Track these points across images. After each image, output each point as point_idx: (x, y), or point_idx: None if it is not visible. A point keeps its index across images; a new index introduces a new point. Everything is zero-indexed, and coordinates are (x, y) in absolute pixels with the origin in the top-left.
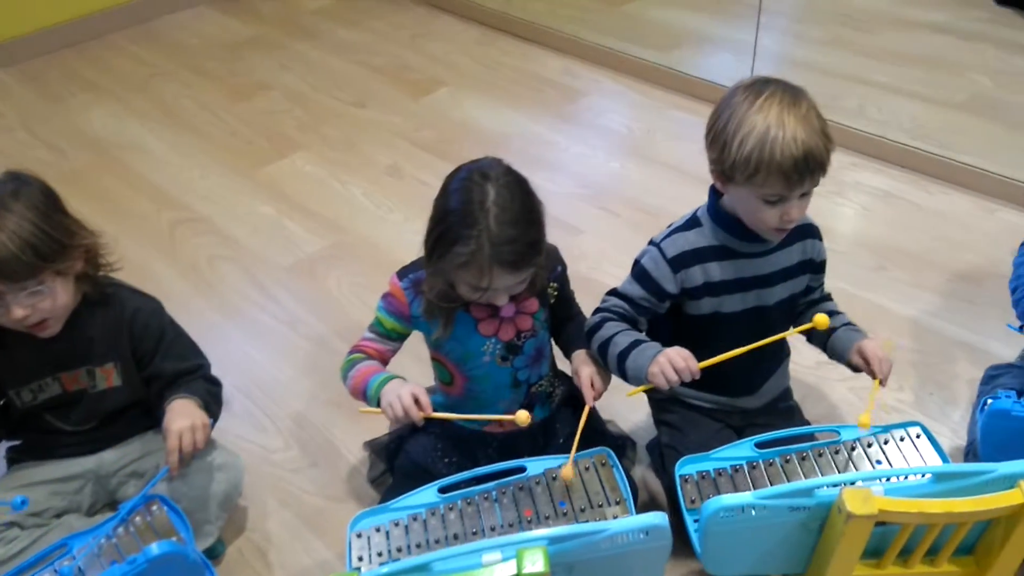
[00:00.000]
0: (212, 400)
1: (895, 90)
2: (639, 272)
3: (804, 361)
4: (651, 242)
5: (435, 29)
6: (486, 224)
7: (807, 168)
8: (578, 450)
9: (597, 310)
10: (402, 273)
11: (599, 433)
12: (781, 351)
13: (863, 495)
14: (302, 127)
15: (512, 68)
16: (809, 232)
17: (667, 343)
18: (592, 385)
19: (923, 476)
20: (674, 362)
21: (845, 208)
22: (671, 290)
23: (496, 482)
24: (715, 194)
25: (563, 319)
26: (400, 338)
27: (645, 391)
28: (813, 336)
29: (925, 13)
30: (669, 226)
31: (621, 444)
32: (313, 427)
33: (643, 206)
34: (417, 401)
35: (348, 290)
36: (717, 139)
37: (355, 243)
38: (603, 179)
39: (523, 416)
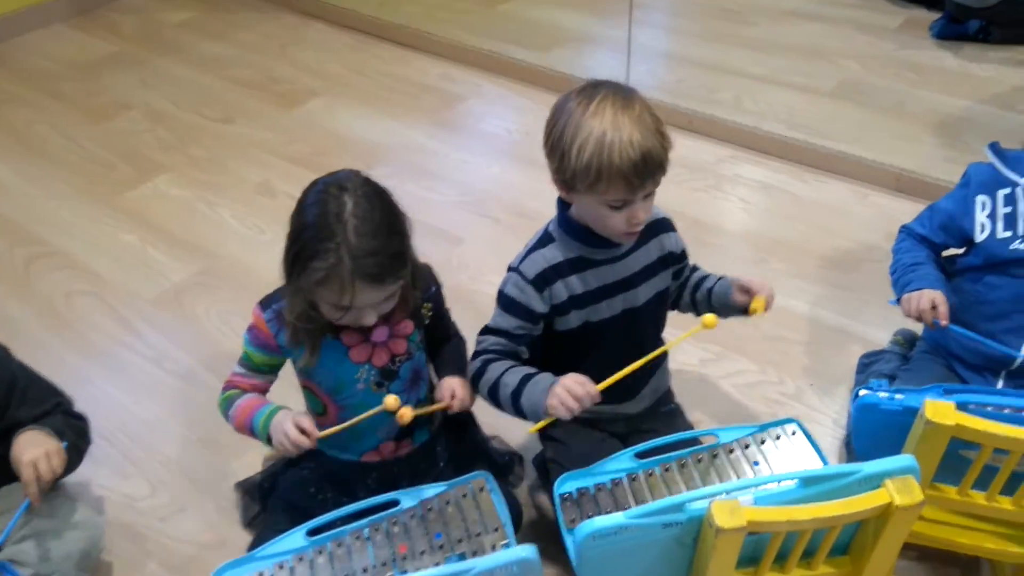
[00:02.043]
0: (70, 430)
1: (771, 81)
2: (506, 302)
3: (688, 360)
4: (510, 268)
5: (306, 37)
6: (344, 236)
7: (647, 170)
8: (457, 473)
9: (475, 353)
10: (265, 303)
11: (482, 452)
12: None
13: (731, 507)
14: (166, 148)
15: (388, 75)
16: (662, 227)
17: (542, 361)
18: (453, 395)
19: (791, 481)
20: (572, 391)
21: (724, 202)
22: (542, 310)
23: (368, 519)
24: (563, 206)
25: (439, 340)
26: (272, 370)
27: (548, 424)
28: (698, 305)
29: (799, 3)
30: (525, 247)
31: (508, 461)
32: (181, 470)
33: (524, 210)
34: (304, 431)
35: (218, 319)
36: (555, 149)
37: (224, 268)
38: (483, 185)
39: (391, 400)
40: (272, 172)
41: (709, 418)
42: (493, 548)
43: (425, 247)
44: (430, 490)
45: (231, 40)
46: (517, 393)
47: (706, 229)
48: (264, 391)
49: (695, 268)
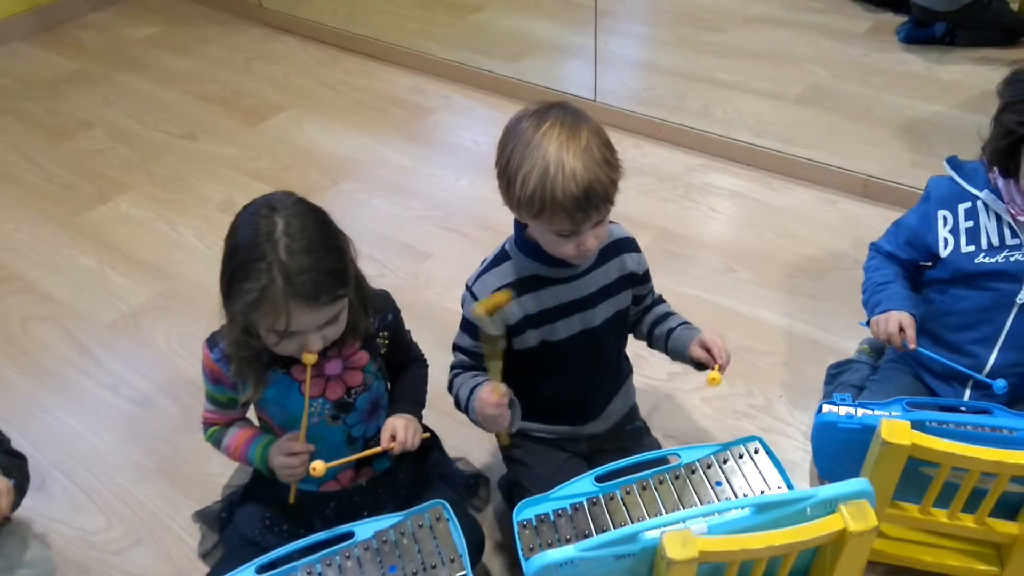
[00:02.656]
0: (15, 469)
1: (739, 88)
2: (463, 321)
3: (656, 374)
4: (466, 285)
5: (273, 51)
6: (276, 256)
7: (589, 204)
8: (419, 498)
9: (451, 367)
10: (211, 341)
11: (446, 475)
12: (622, 372)
13: (682, 538)
14: (127, 166)
15: (357, 88)
16: (624, 247)
17: (506, 377)
18: (393, 436)
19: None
20: (483, 412)
21: (693, 211)
22: (494, 333)
23: (321, 553)
24: (520, 224)
25: (398, 366)
26: (239, 405)
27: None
28: (653, 341)
29: (767, 8)
30: (483, 262)
31: (473, 483)
32: (137, 500)
33: (492, 224)
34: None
35: (177, 343)
36: (503, 175)
37: (185, 290)
38: (452, 199)
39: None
40: (236, 189)
41: (678, 433)
42: None
43: (391, 263)
44: (386, 521)
45: (196, 55)
46: (467, 408)
47: (674, 239)
48: (243, 418)
49: (660, 300)
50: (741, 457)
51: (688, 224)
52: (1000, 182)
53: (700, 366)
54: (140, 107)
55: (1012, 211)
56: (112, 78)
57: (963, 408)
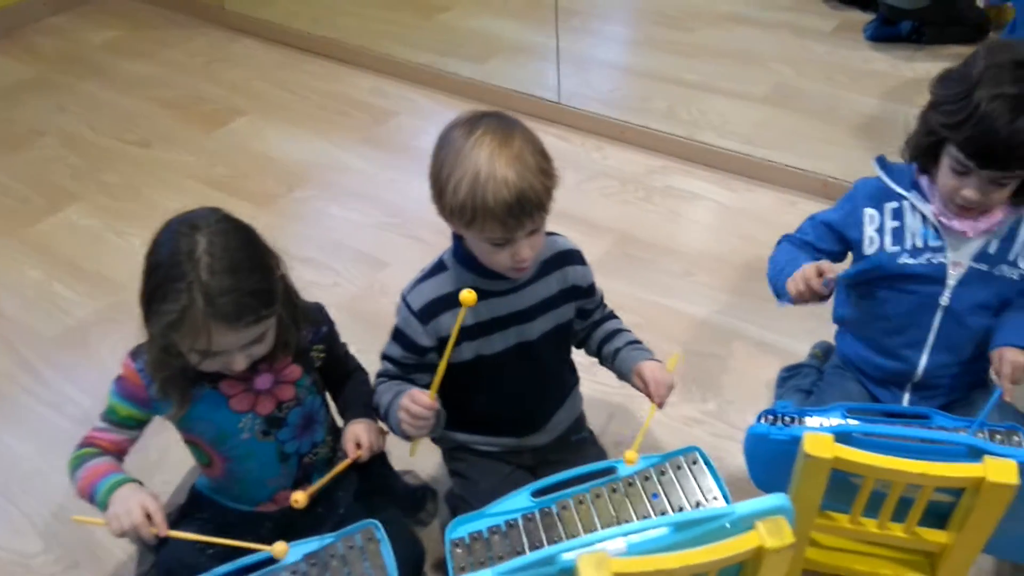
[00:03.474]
0: None
1: (704, 88)
2: (394, 330)
3: (610, 381)
4: (402, 294)
5: (234, 54)
6: (196, 276)
7: (522, 211)
8: (361, 513)
9: (376, 375)
10: (136, 353)
11: (390, 489)
12: (566, 383)
13: (597, 560)
14: (78, 175)
15: (318, 91)
16: (567, 259)
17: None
18: (358, 444)
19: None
20: (408, 409)
21: (653, 214)
22: (426, 344)
23: None
24: (458, 235)
25: (338, 379)
26: (139, 426)
27: (417, 444)
28: (602, 359)
29: (736, 6)
30: (419, 273)
31: (420, 496)
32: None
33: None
34: (149, 516)
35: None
36: (435, 184)
37: (133, 302)
38: (411, 205)
39: (279, 549)
40: (189, 198)
41: (630, 442)
42: None
43: (347, 271)
44: (316, 543)
45: (156, 59)
46: (386, 416)
47: (634, 242)
48: (125, 451)
49: (611, 315)
50: (680, 468)
51: (648, 228)
52: (925, 183)
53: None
54: (95, 114)
55: (936, 211)
56: (68, 84)
57: (901, 413)
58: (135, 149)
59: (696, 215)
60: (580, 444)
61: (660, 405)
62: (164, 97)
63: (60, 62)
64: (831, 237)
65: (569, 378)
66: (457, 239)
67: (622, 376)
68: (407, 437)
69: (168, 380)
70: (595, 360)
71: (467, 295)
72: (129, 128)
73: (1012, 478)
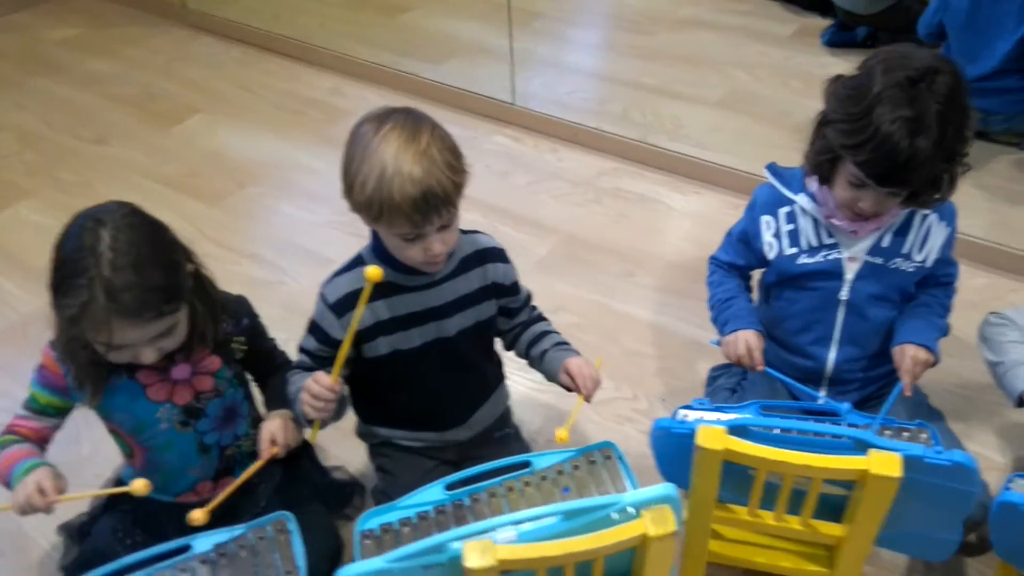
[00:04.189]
0: None
1: (660, 91)
2: (310, 323)
3: (544, 379)
4: (320, 288)
5: (194, 52)
6: (98, 271)
7: (428, 206)
8: (283, 508)
9: (291, 368)
10: (55, 343)
11: (314, 484)
12: (489, 380)
13: (482, 547)
14: (32, 171)
15: (275, 90)
16: (488, 257)
17: (355, 388)
18: (273, 441)
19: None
20: (310, 389)
21: (601, 216)
22: (340, 337)
23: (156, 567)
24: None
25: (266, 373)
26: (58, 414)
27: (318, 428)
28: (531, 361)
29: (696, 11)
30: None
31: (348, 492)
32: (3, 513)
33: None
34: (42, 490)
35: None
36: (345, 180)
37: None
38: None
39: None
40: (141, 194)
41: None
42: None
43: (293, 269)
44: (226, 533)
45: (116, 56)
46: (293, 402)
47: (580, 244)
48: (47, 439)
49: (540, 318)
50: (593, 463)
51: (595, 229)
52: (815, 186)
53: (568, 389)
54: (52, 111)
55: (825, 213)
56: (27, 82)
57: (815, 410)
58: (90, 146)
59: (643, 217)
60: (504, 440)
61: (587, 398)
62: (122, 94)
63: (20, 59)
64: (747, 251)
65: (493, 375)
66: (375, 235)
67: (550, 377)
68: (308, 421)
69: (80, 369)
70: None
71: (372, 271)
72: (85, 125)
73: (895, 471)
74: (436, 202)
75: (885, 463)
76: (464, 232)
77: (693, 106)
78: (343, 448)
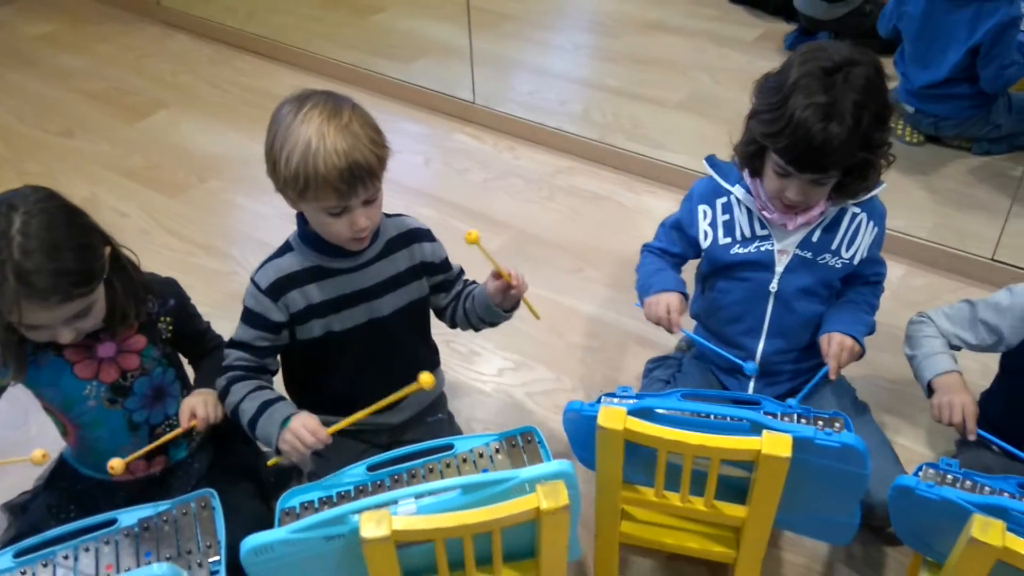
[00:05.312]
0: None
1: (622, 93)
2: (245, 313)
3: (487, 370)
4: (251, 277)
5: (167, 49)
6: (9, 255)
7: (354, 177)
8: (208, 485)
9: (222, 368)
10: None
11: (250, 467)
12: (423, 363)
13: (378, 517)
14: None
15: (244, 87)
16: (415, 237)
17: (288, 370)
18: (193, 415)
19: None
20: (302, 437)
21: (554, 213)
22: (280, 319)
23: (81, 539)
24: (303, 217)
25: (198, 355)
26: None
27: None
28: (469, 316)
29: (664, 15)
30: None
31: (286, 476)
32: None
33: None
34: None
35: None
36: (268, 159)
37: None
38: None
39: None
40: (102, 186)
41: (494, 427)
42: (200, 566)
43: (246, 261)
44: (152, 508)
45: (89, 52)
46: (254, 422)
47: (530, 240)
48: None
49: (472, 283)
50: (514, 446)
51: (547, 225)
52: (749, 180)
53: (507, 310)
54: (23, 104)
55: (758, 205)
56: (0, 76)
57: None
58: (58, 139)
59: (595, 214)
60: (436, 425)
61: (516, 283)
62: (92, 89)
63: None
64: (681, 239)
65: (427, 359)
66: (302, 220)
67: (483, 308)
68: (278, 452)
69: (2, 346)
70: (474, 349)
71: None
72: (54, 119)
73: (785, 451)
74: (361, 173)
75: (776, 444)
76: (389, 215)
77: (653, 107)
78: None
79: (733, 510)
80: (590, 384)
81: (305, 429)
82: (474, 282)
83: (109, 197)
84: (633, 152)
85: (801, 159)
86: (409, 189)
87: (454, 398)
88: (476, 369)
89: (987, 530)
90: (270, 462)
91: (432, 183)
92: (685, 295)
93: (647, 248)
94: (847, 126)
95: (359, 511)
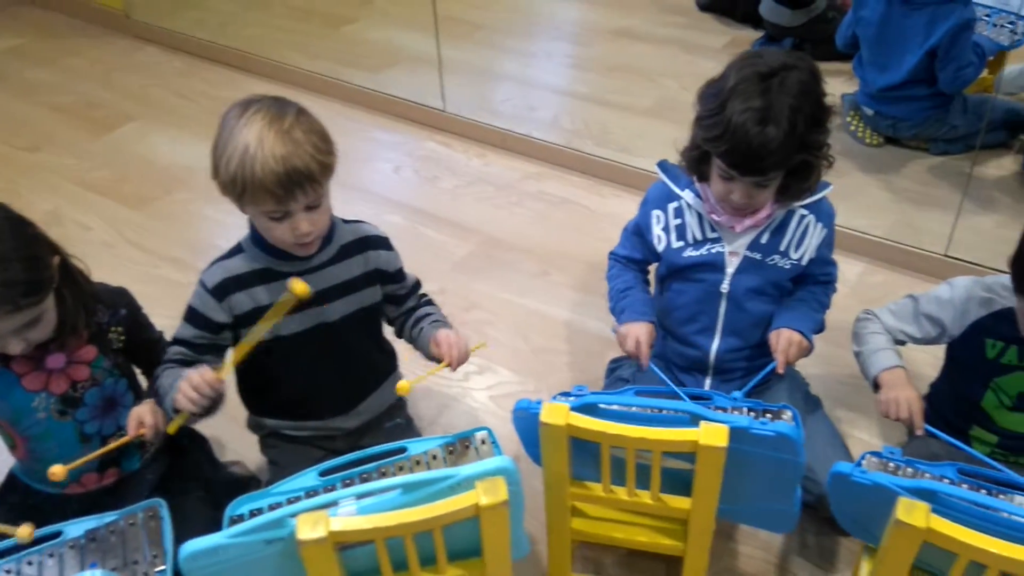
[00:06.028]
0: None
1: (591, 100)
2: (188, 311)
3: (452, 375)
4: (199, 278)
5: (136, 62)
6: None
7: (291, 182)
8: (162, 495)
9: (163, 361)
10: None
11: (204, 477)
12: (378, 368)
13: (315, 519)
14: None
15: (213, 98)
16: (370, 244)
17: (241, 376)
18: (141, 424)
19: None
20: (194, 384)
21: (522, 218)
22: (222, 320)
23: (26, 551)
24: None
25: (150, 364)
26: None
27: (181, 424)
28: (412, 341)
29: (633, 22)
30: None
31: (244, 486)
32: None
33: None
34: None
35: None
36: (212, 161)
37: None
38: None
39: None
40: (65, 200)
41: (454, 431)
42: (146, 575)
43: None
44: (98, 520)
45: (58, 66)
46: (164, 397)
47: (498, 245)
48: None
49: (428, 303)
50: (468, 448)
51: (514, 230)
52: (699, 184)
53: (438, 361)
54: None
55: (708, 209)
56: None
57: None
58: (23, 153)
59: (561, 219)
60: (394, 431)
61: (452, 367)
62: (59, 103)
63: None
64: (641, 244)
65: (382, 364)
66: (252, 223)
67: (424, 350)
68: (175, 411)
69: None
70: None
71: (299, 287)
72: (20, 133)
73: (721, 441)
74: (299, 178)
75: (713, 434)
76: (347, 221)
77: (622, 113)
78: (241, 443)
79: (678, 502)
80: (554, 386)
81: (197, 376)
82: (428, 300)
83: (72, 210)
84: (601, 157)
85: (741, 162)
86: (379, 196)
87: (418, 402)
88: (440, 373)
89: (911, 512)
90: (170, 427)
91: (401, 190)
92: (653, 322)
93: (613, 256)
94: (783, 129)
95: (298, 513)
